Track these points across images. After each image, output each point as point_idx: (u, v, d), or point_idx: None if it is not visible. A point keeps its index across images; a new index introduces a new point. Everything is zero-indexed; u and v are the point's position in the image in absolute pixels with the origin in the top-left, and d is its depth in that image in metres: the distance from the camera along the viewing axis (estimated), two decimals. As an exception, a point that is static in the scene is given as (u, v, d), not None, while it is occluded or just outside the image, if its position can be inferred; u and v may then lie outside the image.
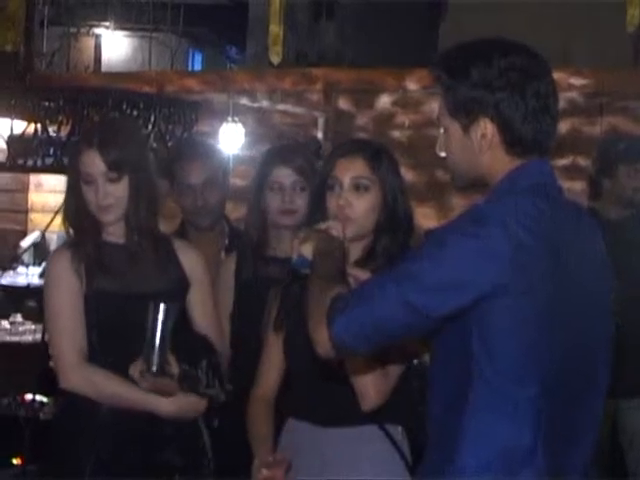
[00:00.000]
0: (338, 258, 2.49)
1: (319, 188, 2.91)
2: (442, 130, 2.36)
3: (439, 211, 8.23)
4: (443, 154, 2.37)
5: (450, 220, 2.27)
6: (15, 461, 3.86)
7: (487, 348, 2.14)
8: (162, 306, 2.89)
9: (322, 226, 2.69)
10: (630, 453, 4.80)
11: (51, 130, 4.20)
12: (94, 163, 3.08)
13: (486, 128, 2.26)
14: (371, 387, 2.71)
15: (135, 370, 2.95)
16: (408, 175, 8.17)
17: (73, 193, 3.12)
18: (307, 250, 2.53)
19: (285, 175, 3.56)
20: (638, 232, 4.69)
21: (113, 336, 3.06)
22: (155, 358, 2.90)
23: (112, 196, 3.09)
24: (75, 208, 3.12)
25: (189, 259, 3.25)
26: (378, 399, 2.72)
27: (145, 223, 3.15)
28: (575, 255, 2.23)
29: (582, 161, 7.27)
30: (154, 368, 2.91)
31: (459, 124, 2.30)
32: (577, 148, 7.33)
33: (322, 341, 2.20)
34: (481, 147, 2.27)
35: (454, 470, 2.17)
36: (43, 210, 9.73)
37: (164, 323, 2.89)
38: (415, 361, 2.86)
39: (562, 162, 7.25)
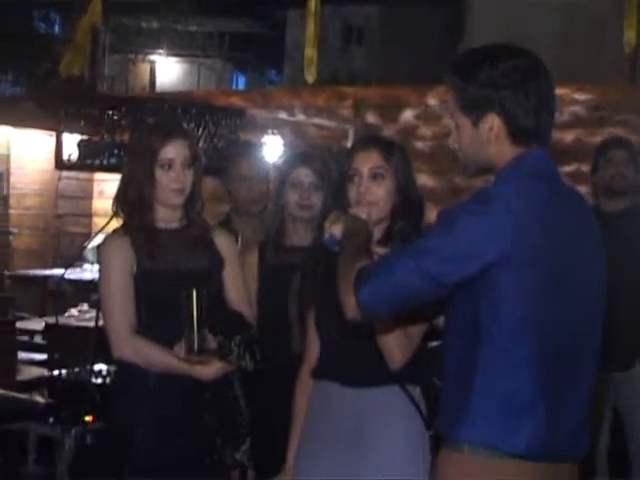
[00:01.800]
0: (364, 237, 2.59)
1: (341, 179, 2.99)
2: (454, 125, 2.42)
3: (457, 213, 8.24)
4: (456, 146, 2.44)
5: (461, 200, 2.36)
6: (87, 418, 4.00)
7: (493, 311, 2.21)
8: (195, 292, 2.94)
9: (351, 211, 2.80)
10: (629, 417, 4.86)
11: (114, 135, 4.32)
12: (179, 149, 3.15)
13: (493, 122, 2.32)
14: (396, 349, 2.77)
15: (179, 350, 3.02)
16: (429, 181, 8.23)
17: (143, 179, 3.13)
18: (337, 230, 2.64)
19: (305, 174, 3.64)
20: (633, 223, 4.74)
21: (160, 310, 3.12)
22: (195, 340, 2.97)
23: (186, 180, 3.16)
24: (138, 194, 3.14)
25: (223, 242, 3.32)
26: (403, 359, 2.78)
27: (198, 207, 3.25)
28: (571, 230, 2.29)
29: (585, 168, 7.28)
30: (195, 348, 2.98)
31: (469, 119, 2.35)
32: (580, 156, 7.31)
33: (350, 306, 2.29)
34: (489, 138, 2.33)
35: (466, 415, 2.24)
36: (105, 214, 9.81)
37: (198, 306, 2.95)
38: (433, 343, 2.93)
39: (567, 169, 7.26)
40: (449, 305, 2.34)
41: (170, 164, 3.14)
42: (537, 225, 2.21)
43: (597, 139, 7.74)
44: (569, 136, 7.50)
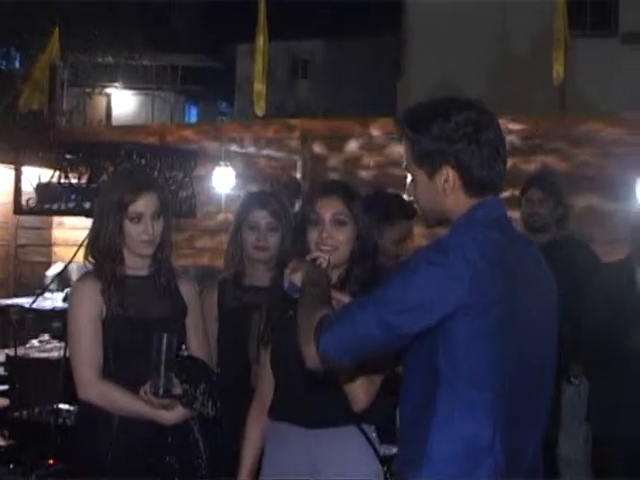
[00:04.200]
0: (324, 286, 2.48)
1: (300, 223, 2.88)
2: (410, 178, 2.34)
3: (400, 237, 8.21)
4: (412, 198, 2.36)
5: (417, 250, 2.27)
6: (49, 462, 3.83)
7: (451, 358, 2.14)
8: (165, 337, 2.88)
9: (310, 257, 2.71)
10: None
11: (72, 178, 4.19)
12: (149, 203, 3.07)
13: (448, 174, 2.25)
14: (361, 392, 2.67)
15: (145, 392, 2.95)
16: (373, 207, 8.18)
17: (113, 230, 3.05)
18: (297, 278, 2.54)
19: (261, 216, 3.54)
20: (556, 256, 4.71)
21: (126, 354, 3.04)
22: (161, 383, 2.91)
23: (155, 231, 3.09)
24: (108, 244, 3.06)
25: (187, 290, 3.25)
26: (367, 401, 2.69)
27: (168, 256, 3.17)
28: (525, 277, 2.22)
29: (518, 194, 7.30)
30: (161, 392, 2.92)
31: (425, 172, 2.28)
32: (515, 183, 7.31)
33: (311, 356, 2.19)
34: (445, 190, 2.27)
35: (426, 459, 2.16)
36: (65, 244, 9.68)
37: (167, 352, 2.89)
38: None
39: (503, 195, 7.24)
40: (407, 351, 2.24)
41: (140, 217, 3.06)
42: (493, 273, 2.13)
43: (531, 166, 7.79)
44: (504, 164, 7.49)
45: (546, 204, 4.86)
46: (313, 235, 2.81)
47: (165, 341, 2.88)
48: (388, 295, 2.15)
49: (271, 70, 9.46)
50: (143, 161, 3.77)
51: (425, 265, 2.14)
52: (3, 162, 8.57)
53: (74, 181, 4.12)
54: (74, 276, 7.77)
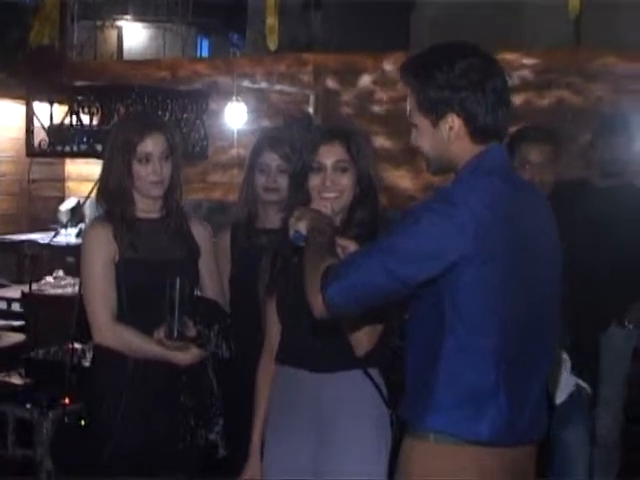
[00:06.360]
0: (329, 232, 2.48)
1: (302, 171, 2.85)
2: (414, 125, 2.33)
3: (412, 173, 8.22)
4: (417, 145, 2.36)
5: (423, 200, 2.28)
6: (64, 401, 3.86)
7: (456, 307, 2.16)
8: (178, 280, 2.90)
9: (314, 206, 2.72)
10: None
11: (84, 120, 4.19)
12: (157, 143, 3.08)
13: (453, 122, 2.25)
14: (364, 337, 2.70)
15: (159, 334, 2.99)
16: (386, 143, 8.17)
17: (121, 172, 3.07)
18: (302, 226, 2.52)
19: (271, 159, 3.56)
20: (621, 201, 4.62)
21: (140, 298, 3.06)
22: (175, 326, 2.94)
23: (164, 172, 3.10)
24: (117, 186, 3.08)
25: (199, 232, 3.27)
26: (370, 346, 2.71)
27: (177, 197, 3.19)
28: (529, 226, 2.23)
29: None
30: (175, 334, 2.96)
31: (429, 120, 2.28)
32: (529, 118, 7.28)
33: (317, 304, 2.20)
34: (449, 138, 2.26)
35: (432, 405, 2.19)
36: (78, 179, 9.72)
37: (180, 295, 2.91)
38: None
39: (513, 129, 7.21)
40: (413, 298, 2.26)
41: (148, 158, 3.08)
42: (497, 221, 2.14)
43: (545, 101, 7.74)
44: (518, 99, 7.43)
45: (628, 148, 4.72)
46: (315, 182, 2.80)
47: (178, 284, 2.90)
48: (393, 244, 2.16)
49: (283, 2, 9.36)
50: (154, 103, 3.77)
51: (430, 215, 2.14)
52: (13, 97, 8.57)
53: (86, 123, 4.14)
54: (88, 211, 7.84)
